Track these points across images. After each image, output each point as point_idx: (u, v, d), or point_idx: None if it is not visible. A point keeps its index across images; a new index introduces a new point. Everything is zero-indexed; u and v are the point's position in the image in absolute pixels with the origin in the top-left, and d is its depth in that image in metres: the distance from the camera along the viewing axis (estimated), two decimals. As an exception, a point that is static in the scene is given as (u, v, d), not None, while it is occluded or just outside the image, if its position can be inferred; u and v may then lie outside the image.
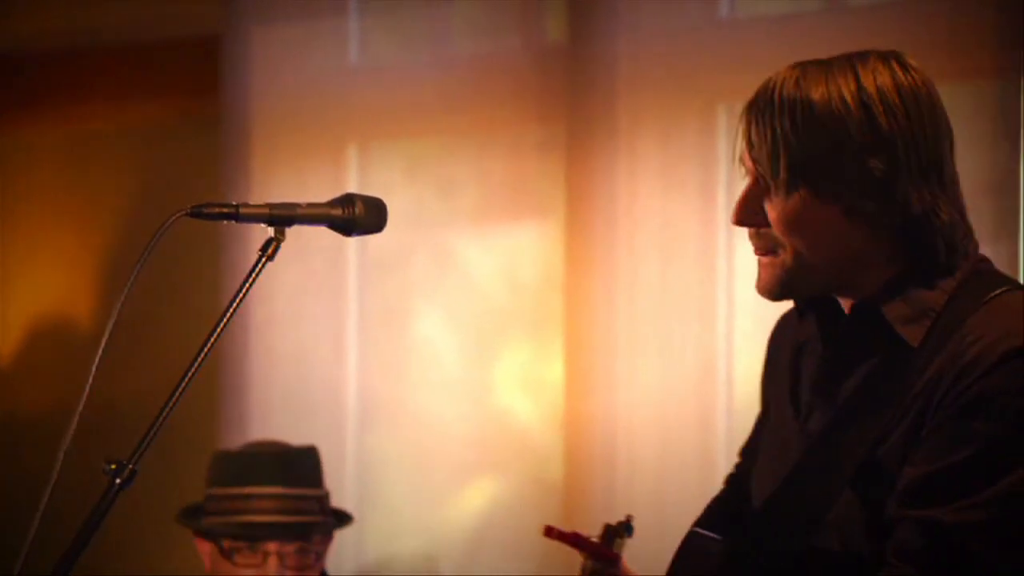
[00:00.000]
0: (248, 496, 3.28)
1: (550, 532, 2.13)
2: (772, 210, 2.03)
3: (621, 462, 3.95)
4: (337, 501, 3.48)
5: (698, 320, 3.91)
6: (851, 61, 2.02)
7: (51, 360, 4.91)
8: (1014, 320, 1.95)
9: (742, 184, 2.08)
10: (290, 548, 3.25)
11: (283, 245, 2.02)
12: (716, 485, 2.40)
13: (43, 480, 1.91)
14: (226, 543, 3.27)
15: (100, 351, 1.94)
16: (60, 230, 5.03)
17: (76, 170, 5.06)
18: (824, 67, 2.01)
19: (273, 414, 4.46)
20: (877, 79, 1.99)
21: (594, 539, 2.23)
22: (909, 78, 2.01)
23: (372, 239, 2.18)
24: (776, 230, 2.03)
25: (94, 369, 1.94)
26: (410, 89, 4.40)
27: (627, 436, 3.95)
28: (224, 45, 4.65)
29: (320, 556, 3.30)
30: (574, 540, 2.18)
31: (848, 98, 1.98)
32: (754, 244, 2.08)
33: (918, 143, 1.99)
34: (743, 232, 2.14)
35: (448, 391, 4.31)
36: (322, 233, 2.09)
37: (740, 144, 2.06)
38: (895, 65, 2.02)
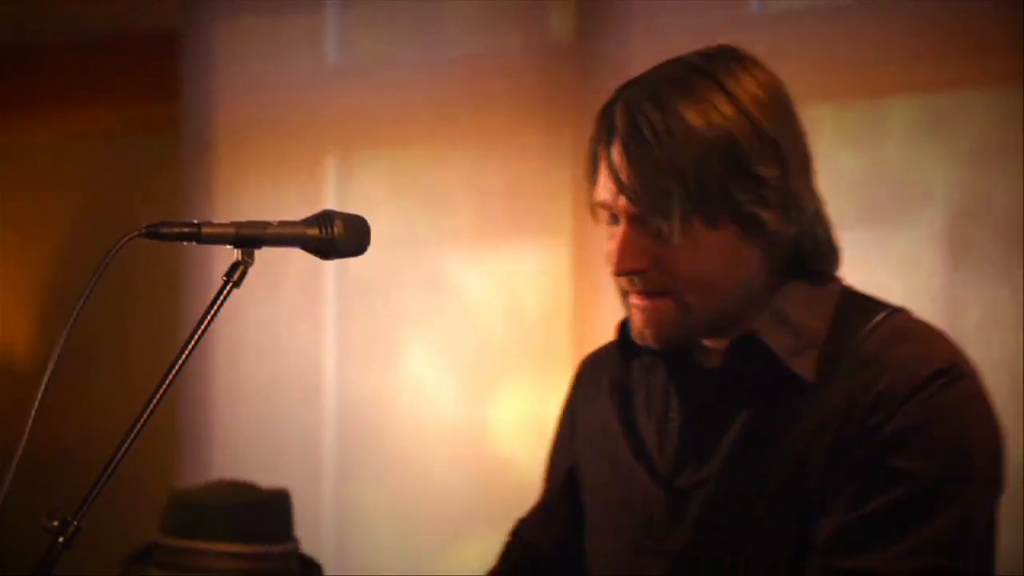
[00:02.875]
0: (200, 552, 3.28)
1: None
2: (664, 251, 2.05)
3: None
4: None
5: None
6: (702, 70, 2.05)
7: (-13, 399, 4.90)
8: (916, 344, 2.01)
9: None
10: None
11: (252, 269, 2.00)
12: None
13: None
14: None
15: (42, 389, 1.92)
16: (-2, 251, 5.03)
17: (15, 185, 5.05)
18: (677, 83, 2.04)
19: (240, 460, 4.45)
20: (742, 81, 2.04)
21: None
22: (764, 74, 2.07)
23: (353, 262, 2.17)
24: (671, 270, 2.05)
25: (35, 409, 1.93)
26: (397, 92, 4.40)
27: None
28: (184, 42, 4.66)
29: None
30: None
31: (726, 109, 2.02)
32: (638, 287, 2.10)
33: (795, 140, 2.06)
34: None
35: (439, 435, 4.30)
36: (296, 256, 2.08)
37: (602, 185, 2.07)
38: (747, 63, 2.07)
